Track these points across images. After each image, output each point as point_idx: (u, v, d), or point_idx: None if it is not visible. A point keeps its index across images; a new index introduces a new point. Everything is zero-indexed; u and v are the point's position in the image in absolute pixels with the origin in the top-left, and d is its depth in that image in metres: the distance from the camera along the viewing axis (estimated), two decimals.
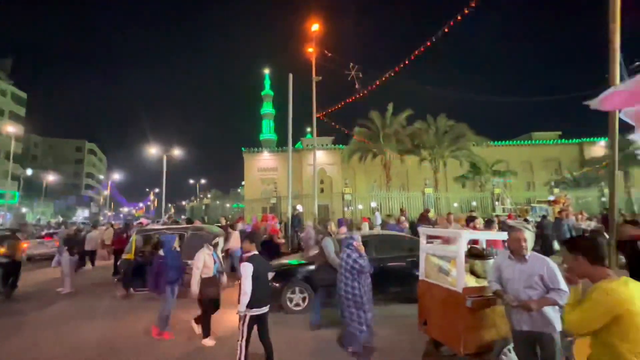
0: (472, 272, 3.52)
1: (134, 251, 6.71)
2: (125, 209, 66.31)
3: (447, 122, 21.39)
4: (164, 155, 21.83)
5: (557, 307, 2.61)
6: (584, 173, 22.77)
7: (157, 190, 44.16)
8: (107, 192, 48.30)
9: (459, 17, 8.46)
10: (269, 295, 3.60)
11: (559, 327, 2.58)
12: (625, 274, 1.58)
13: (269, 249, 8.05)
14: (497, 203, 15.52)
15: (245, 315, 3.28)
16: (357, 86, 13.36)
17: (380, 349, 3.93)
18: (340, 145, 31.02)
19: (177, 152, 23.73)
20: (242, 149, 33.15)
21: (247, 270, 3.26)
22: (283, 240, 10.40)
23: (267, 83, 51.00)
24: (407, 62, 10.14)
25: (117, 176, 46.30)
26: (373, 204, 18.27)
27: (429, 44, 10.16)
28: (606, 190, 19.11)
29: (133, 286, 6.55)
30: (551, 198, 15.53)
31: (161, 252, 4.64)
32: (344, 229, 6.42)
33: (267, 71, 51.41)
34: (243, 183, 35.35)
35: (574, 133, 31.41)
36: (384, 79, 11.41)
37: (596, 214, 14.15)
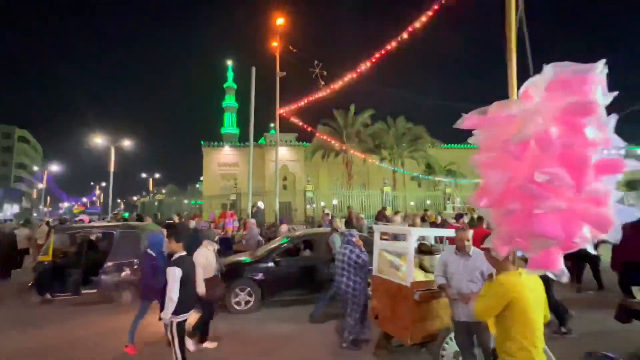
0: (421, 267, 3.74)
1: (51, 252, 6.03)
2: (65, 204, 59.84)
3: (405, 124, 22.49)
4: (112, 146, 20.07)
5: None
6: None
7: (104, 184, 40.40)
8: (42, 185, 43.09)
9: (423, 19, 8.83)
10: (195, 300, 3.35)
11: None
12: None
13: (227, 246, 7.87)
14: (448, 202, 16.71)
15: (171, 322, 3.00)
16: (320, 84, 13.43)
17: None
18: (304, 143, 31.02)
19: (127, 143, 21.95)
20: (202, 142, 31.67)
21: (174, 274, 2.93)
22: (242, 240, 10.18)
23: (230, 75, 49.09)
24: (369, 63, 10.40)
25: (55, 167, 41.40)
26: (335, 202, 18.59)
27: (390, 47, 10.53)
28: None
29: (51, 291, 5.83)
30: None
31: (150, 252, 4.13)
32: (284, 227, 6.76)
33: (230, 63, 49.46)
34: (202, 178, 33.82)
35: None
36: (346, 79, 11.59)
37: None
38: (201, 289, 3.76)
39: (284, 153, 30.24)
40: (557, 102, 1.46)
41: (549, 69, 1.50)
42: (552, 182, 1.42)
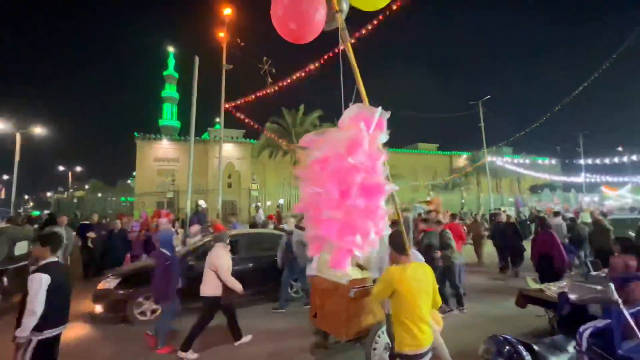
0: (358, 265, 3.89)
1: None
2: None
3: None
4: (17, 132, 16.99)
5: None
6: (452, 179, 28.36)
7: (5, 177, 33.91)
8: None
9: (374, 22, 9.20)
10: (67, 313, 2.78)
11: None
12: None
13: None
14: (388, 202, 17.73)
15: (29, 341, 2.44)
16: (269, 82, 13.19)
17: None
18: (252, 140, 30.17)
19: (39, 130, 18.76)
20: (135, 134, 28.70)
21: (40, 283, 2.44)
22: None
23: (172, 63, 45.29)
24: (317, 64, 10.53)
25: None
26: (281, 201, 18.44)
27: (338, 50, 10.77)
28: (465, 194, 24.30)
29: None
30: (428, 199, 18.80)
31: (166, 251, 3.99)
32: (195, 228, 6.78)
33: (171, 49, 45.68)
34: (134, 173, 30.64)
35: (447, 146, 38.55)
36: (295, 77, 11.57)
37: (457, 211, 17.74)
38: (238, 286, 3.90)
39: (230, 150, 29.02)
40: (356, 130, 1.94)
41: (352, 108, 2.03)
42: (327, 196, 1.84)
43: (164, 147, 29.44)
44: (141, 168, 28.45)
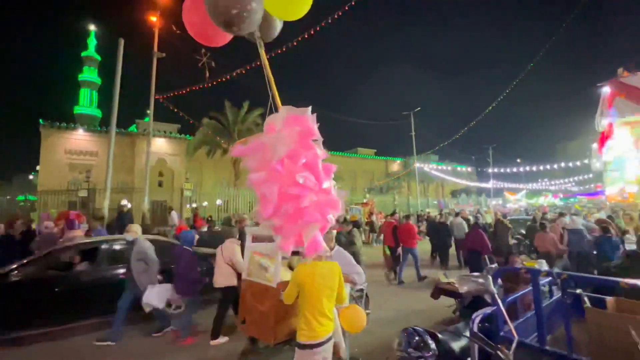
0: (290, 267, 3.90)
1: None
2: None
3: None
4: None
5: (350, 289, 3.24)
6: (386, 182, 30.45)
7: None
8: None
9: (322, 24, 9.36)
10: None
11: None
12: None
13: None
14: None
15: None
16: (207, 75, 12.45)
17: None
18: (188, 136, 28.11)
19: None
20: (41, 121, 24.34)
21: None
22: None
23: (92, 43, 39.52)
24: (258, 63, 10.31)
25: None
26: (219, 202, 17.53)
27: (282, 50, 10.74)
28: (397, 197, 26.31)
29: None
30: (365, 201, 19.88)
31: (186, 246, 4.30)
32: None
33: (93, 28, 39.95)
34: (38, 168, 25.95)
35: (383, 152, 41.27)
36: (236, 74, 11.15)
37: (390, 212, 19.10)
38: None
39: (162, 145, 26.57)
40: (293, 130, 2.21)
41: (283, 110, 2.25)
42: (307, 183, 2.11)
43: (79, 138, 25.55)
44: (47, 162, 24.19)
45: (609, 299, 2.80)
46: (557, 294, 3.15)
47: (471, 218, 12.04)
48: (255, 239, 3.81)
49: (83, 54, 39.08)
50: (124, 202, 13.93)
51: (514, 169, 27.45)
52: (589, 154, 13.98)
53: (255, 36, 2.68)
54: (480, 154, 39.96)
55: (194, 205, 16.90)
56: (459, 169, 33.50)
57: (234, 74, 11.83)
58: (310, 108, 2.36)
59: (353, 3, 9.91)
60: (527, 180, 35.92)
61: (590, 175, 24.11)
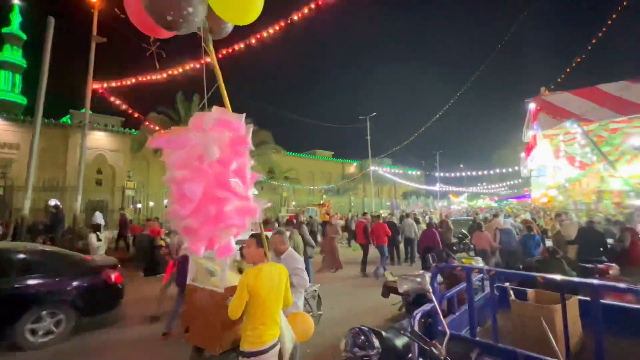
0: (240, 271, 3.74)
1: None
2: None
3: (252, 127, 22.77)
4: None
5: (298, 295, 3.19)
6: (342, 184, 31.20)
7: None
8: None
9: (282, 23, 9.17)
10: None
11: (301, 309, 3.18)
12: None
13: None
14: (283, 206, 18.10)
15: None
16: (157, 66, 11.55)
17: None
18: (133, 130, 25.84)
19: None
20: None
21: None
22: None
23: (17, 19, 34.46)
24: (220, 56, 9.86)
25: None
26: (167, 202, 16.38)
27: (239, 47, 10.40)
28: (353, 198, 27.10)
29: None
30: (322, 202, 20.13)
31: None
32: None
33: (17, 2, 34.77)
34: None
35: (340, 154, 42.17)
36: (188, 67, 10.53)
37: (346, 213, 19.58)
38: None
39: (102, 140, 24.14)
40: (224, 134, 2.18)
41: (216, 111, 2.20)
42: (236, 188, 2.11)
43: None
44: None
45: (530, 291, 3.15)
46: (489, 289, 3.47)
47: (420, 218, 12.88)
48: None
49: (4, 30, 33.83)
50: (53, 201, 12.32)
51: (457, 174, 29.99)
52: (518, 162, 15.73)
53: (202, 34, 2.53)
54: (429, 159, 42.94)
55: (139, 205, 15.58)
56: (410, 172, 35.54)
57: (187, 67, 11.15)
58: (244, 115, 2.34)
59: (313, 5, 9.98)
60: (469, 184, 39.50)
61: (520, 181, 27.22)
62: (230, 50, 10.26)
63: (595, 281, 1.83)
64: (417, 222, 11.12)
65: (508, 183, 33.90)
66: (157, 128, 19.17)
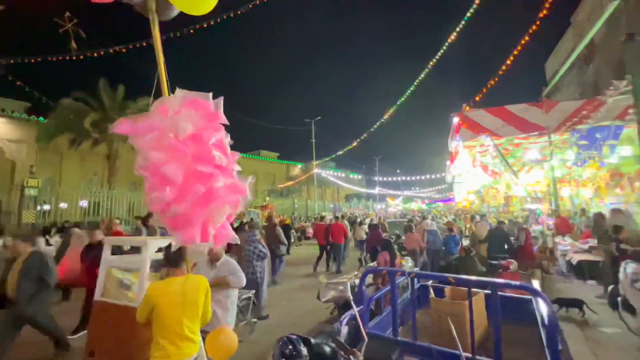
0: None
1: None
2: None
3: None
4: None
5: (228, 306, 2.99)
6: (287, 186, 31.03)
7: None
8: None
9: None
10: None
11: (232, 322, 2.98)
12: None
13: None
14: None
15: None
16: (73, 47, 10.04)
17: None
18: (41, 118, 22.06)
19: None
20: None
21: None
22: None
23: None
24: (145, 43, 8.95)
25: None
26: (83, 203, 14.27)
27: (179, 34, 9.63)
28: (296, 200, 27.12)
29: None
30: (264, 204, 19.69)
31: None
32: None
33: None
34: None
35: (285, 155, 41.96)
36: (114, 50, 9.37)
37: (289, 215, 19.46)
38: None
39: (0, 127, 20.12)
40: (197, 112, 2.00)
41: (180, 92, 2.04)
42: (221, 161, 1.96)
43: None
44: None
45: (447, 289, 3.48)
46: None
47: (359, 220, 13.54)
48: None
49: None
50: None
51: (395, 178, 32.21)
52: (444, 169, 17.52)
53: (148, 9, 2.18)
54: (369, 164, 45.32)
55: (46, 207, 13.31)
56: (352, 176, 37.01)
57: (113, 50, 9.92)
58: (211, 94, 2.12)
59: (258, 2, 9.74)
60: (404, 188, 42.73)
61: (445, 186, 30.32)
62: (171, 36, 9.46)
63: (487, 279, 2.09)
64: (361, 224, 11.77)
65: (436, 188, 37.57)
66: (71, 117, 16.70)
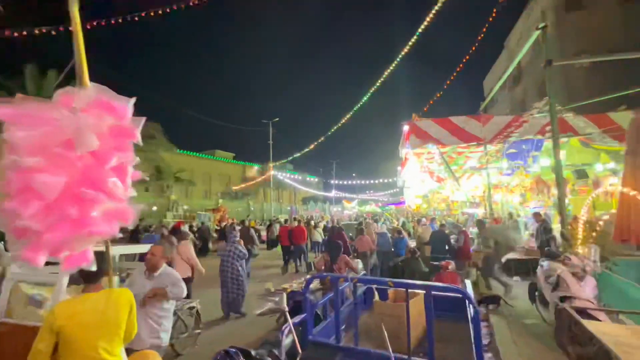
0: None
1: None
2: None
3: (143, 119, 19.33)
4: None
5: (161, 321, 2.73)
6: (242, 189, 30.13)
7: None
8: None
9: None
10: None
11: (164, 342, 2.72)
12: None
13: None
14: (169, 210, 16.08)
15: None
16: None
17: None
18: None
19: None
20: None
21: None
22: None
23: None
24: (88, 26, 8.01)
25: None
26: None
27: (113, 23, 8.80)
28: (251, 203, 26.46)
29: None
30: (219, 206, 18.82)
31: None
32: None
33: None
34: None
35: (242, 156, 40.79)
36: (41, 31, 8.25)
37: (242, 218, 18.83)
38: (202, 270, 5.48)
39: None
40: (104, 120, 1.70)
41: (94, 88, 1.75)
42: (114, 190, 1.69)
43: None
44: None
45: (390, 291, 3.61)
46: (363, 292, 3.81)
47: (313, 223, 13.63)
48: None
49: None
50: None
51: (351, 182, 33.10)
52: (396, 174, 18.43)
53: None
54: (326, 167, 46.04)
55: None
56: (309, 178, 37.23)
57: (37, 30, 8.73)
58: (133, 100, 1.82)
59: None
60: (359, 192, 44.13)
61: (397, 190, 31.96)
62: (112, 22, 8.61)
63: (421, 282, 2.22)
64: (316, 226, 12.09)
65: (390, 191, 39.42)
66: None
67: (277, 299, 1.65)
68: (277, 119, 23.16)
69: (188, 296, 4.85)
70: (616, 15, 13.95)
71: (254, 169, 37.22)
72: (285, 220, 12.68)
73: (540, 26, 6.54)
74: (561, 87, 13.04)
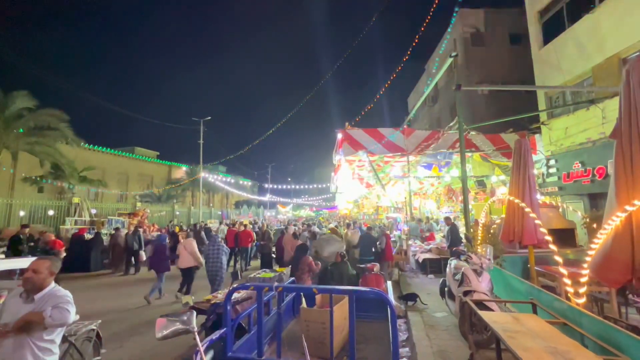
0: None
1: None
2: None
3: (27, 103, 15.90)
4: None
5: (38, 354, 2.22)
6: (166, 190, 27.35)
7: None
8: None
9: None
10: None
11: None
12: None
13: None
14: (69, 216, 13.55)
15: None
16: None
17: None
18: None
19: None
20: None
21: None
22: None
23: None
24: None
25: None
26: None
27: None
28: (177, 206, 24.20)
29: None
30: (136, 210, 16.67)
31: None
32: None
33: None
34: None
35: (167, 156, 37.19)
36: None
37: (165, 225, 17.08)
38: (202, 261, 7.03)
39: None
40: None
41: None
42: None
43: None
44: None
45: (317, 296, 3.63)
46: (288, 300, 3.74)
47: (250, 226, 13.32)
48: None
49: None
50: None
51: (286, 186, 32.99)
52: (330, 179, 19.00)
53: None
54: (261, 170, 45.13)
55: None
56: (242, 182, 35.88)
57: None
58: None
59: None
60: (294, 196, 44.30)
61: (331, 195, 33.06)
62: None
63: (344, 288, 2.28)
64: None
65: (323, 197, 40.48)
66: None
67: (184, 317, 1.47)
68: (209, 117, 21.74)
69: (190, 279, 7.15)
70: (506, 54, 16.99)
71: (181, 170, 34.25)
72: (233, 224, 13.01)
73: (452, 55, 7.51)
74: (468, 110, 15.22)
